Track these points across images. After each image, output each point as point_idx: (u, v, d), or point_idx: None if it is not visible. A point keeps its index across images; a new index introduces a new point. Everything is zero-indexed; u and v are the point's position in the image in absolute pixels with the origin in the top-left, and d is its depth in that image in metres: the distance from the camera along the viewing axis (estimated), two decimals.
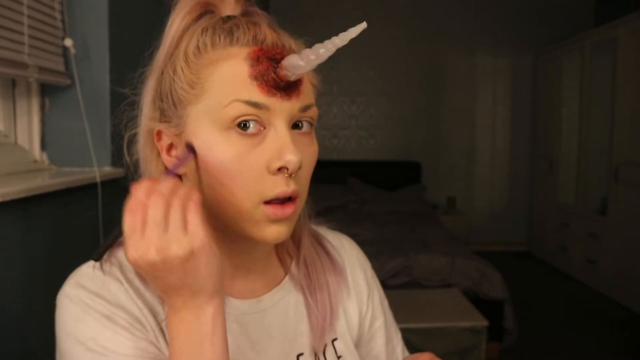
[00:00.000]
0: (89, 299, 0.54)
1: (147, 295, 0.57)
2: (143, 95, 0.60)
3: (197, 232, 0.48)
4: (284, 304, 0.65)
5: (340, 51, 0.50)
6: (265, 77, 0.53)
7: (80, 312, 0.54)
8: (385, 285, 2.64)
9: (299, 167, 0.53)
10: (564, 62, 4.44)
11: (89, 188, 1.36)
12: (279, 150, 0.53)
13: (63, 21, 1.40)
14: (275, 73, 0.53)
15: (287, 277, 0.67)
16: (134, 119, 0.62)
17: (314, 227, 0.73)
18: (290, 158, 0.52)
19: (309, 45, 0.55)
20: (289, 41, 0.57)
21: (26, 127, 1.39)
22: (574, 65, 4.32)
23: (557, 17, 4.95)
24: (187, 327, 0.49)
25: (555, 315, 3.41)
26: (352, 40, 0.49)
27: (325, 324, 0.66)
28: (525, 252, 5.06)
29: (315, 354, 0.65)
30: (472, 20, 5.01)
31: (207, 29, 0.56)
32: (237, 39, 0.54)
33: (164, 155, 0.58)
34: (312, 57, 0.50)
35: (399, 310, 0.94)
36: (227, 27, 0.55)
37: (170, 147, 0.58)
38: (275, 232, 0.55)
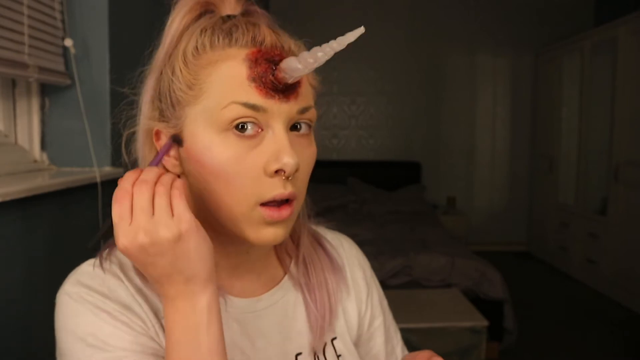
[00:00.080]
0: (88, 296, 0.54)
1: (148, 292, 0.57)
2: (142, 94, 0.60)
3: (184, 215, 0.49)
4: (283, 304, 0.65)
5: (340, 51, 0.50)
6: (263, 79, 0.52)
7: (79, 309, 0.54)
8: (385, 285, 2.64)
9: (296, 170, 0.53)
10: (564, 62, 4.44)
11: (89, 188, 1.36)
12: (276, 153, 0.52)
13: (63, 21, 1.40)
14: (273, 75, 0.53)
15: (286, 277, 0.68)
16: (132, 118, 0.62)
17: (313, 226, 0.73)
18: (288, 161, 0.52)
19: (309, 46, 0.55)
20: (288, 42, 0.57)
21: (26, 127, 1.39)
22: (574, 65, 4.32)
23: (557, 17, 4.95)
24: (183, 317, 0.50)
25: (555, 315, 3.41)
26: (352, 41, 0.49)
27: (324, 324, 0.66)
28: (525, 252, 5.06)
29: (315, 354, 0.65)
30: (472, 20, 5.01)
31: (206, 30, 0.55)
32: (236, 40, 0.54)
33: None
34: (310, 60, 0.50)
35: (399, 310, 0.94)
36: (226, 28, 0.55)
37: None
38: (271, 234, 0.55)
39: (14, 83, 1.34)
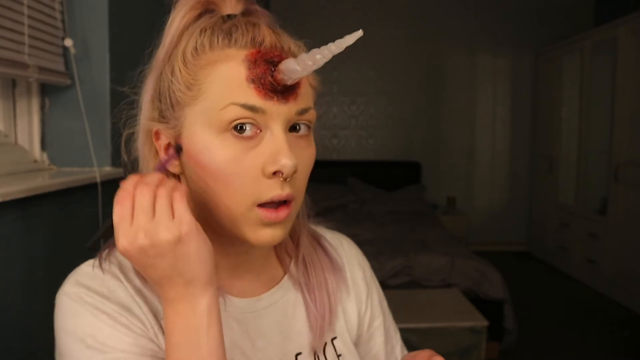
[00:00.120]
0: (88, 297, 0.54)
1: (147, 293, 0.57)
2: (142, 94, 0.60)
3: (184, 218, 0.49)
4: (282, 303, 0.66)
5: (340, 51, 0.50)
6: (262, 81, 0.52)
7: (79, 310, 0.54)
8: (385, 285, 2.64)
9: (294, 172, 0.53)
10: (564, 62, 4.44)
11: (89, 188, 1.36)
12: (274, 154, 0.52)
13: (63, 21, 1.40)
14: (272, 76, 0.52)
15: (286, 277, 0.68)
16: (132, 118, 0.62)
17: (313, 226, 0.73)
18: (285, 162, 0.52)
19: (309, 46, 0.55)
20: (288, 42, 0.56)
21: (26, 127, 1.39)
22: (574, 65, 4.32)
23: (557, 17, 4.95)
24: (183, 319, 0.50)
25: (555, 315, 3.41)
26: (350, 44, 0.49)
27: (324, 324, 0.66)
28: (525, 252, 5.06)
29: (315, 353, 0.65)
30: (472, 20, 5.01)
31: (206, 30, 0.55)
32: (235, 41, 0.54)
33: (162, 155, 0.58)
34: (309, 62, 0.50)
35: (399, 310, 0.94)
36: (226, 28, 0.55)
37: (168, 146, 0.58)
38: (269, 235, 0.55)
39: (14, 83, 1.34)
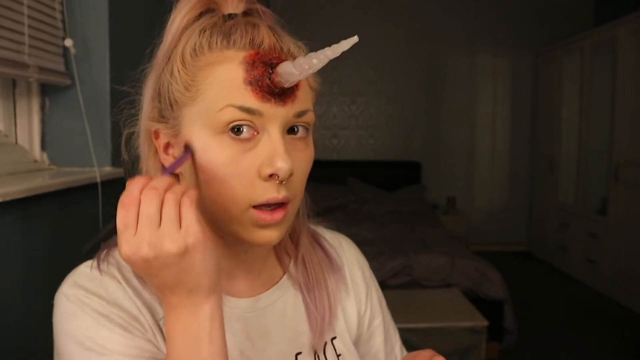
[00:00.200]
0: (86, 298, 0.54)
1: (146, 294, 0.57)
2: (143, 92, 0.60)
3: (192, 228, 0.47)
4: (282, 303, 0.66)
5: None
6: (259, 83, 0.52)
7: (77, 311, 0.54)
8: (385, 285, 2.64)
9: (290, 175, 0.53)
10: (564, 62, 4.44)
11: (89, 188, 1.36)
12: (270, 157, 0.52)
13: (63, 21, 1.40)
14: (270, 79, 0.52)
15: (285, 277, 0.68)
16: (132, 117, 0.62)
17: (312, 226, 0.73)
18: (281, 165, 0.52)
19: (309, 47, 0.55)
20: (288, 44, 0.56)
21: (26, 127, 1.39)
22: (574, 65, 4.32)
23: (557, 17, 4.95)
24: (184, 326, 0.49)
25: (555, 315, 3.41)
26: (345, 50, 0.49)
27: (324, 323, 0.66)
28: (525, 252, 5.06)
29: (315, 353, 0.65)
30: (472, 20, 5.01)
31: (205, 30, 0.55)
32: (234, 42, 0.54)
33: (161, 154, 0.58)
34: (306, 66, 0.50)
35: (399, 310, 0.94)
36: (225, 29, 0.55)
37: (167, 146, 0.58)
38: (265, 236, 0.55)
39: (14, 83, 1.34)
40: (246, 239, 0.55)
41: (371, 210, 4.25)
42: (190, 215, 0.47)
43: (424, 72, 5.08)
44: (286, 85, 0.52)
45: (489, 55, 5.08)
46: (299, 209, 0.65)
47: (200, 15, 0.58)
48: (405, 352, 0.78)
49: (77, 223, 1.33)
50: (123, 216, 0.46)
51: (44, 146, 1.45)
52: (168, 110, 0.56)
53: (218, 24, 0.56)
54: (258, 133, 0.53)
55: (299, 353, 0.64)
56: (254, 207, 0.54)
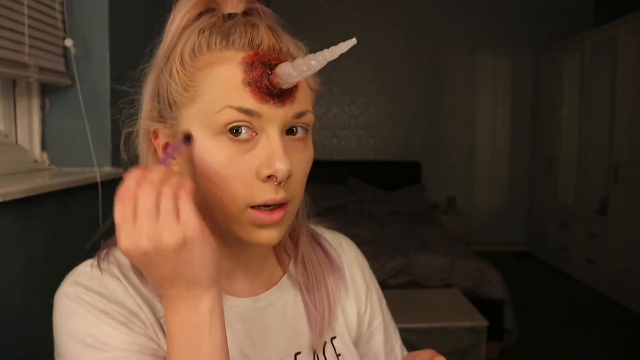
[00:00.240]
0: (86, 296, 0.54)
1: (146, 292, 0.57)
2: (143, 92, 0.60)
3: (190, 220, 0.47)
4: (281, 303, 0.66)
5: None
6: (258, 84, 0.52)
7: (78, 309, 0.54)
8: (385, 285, 2.64)
9: (289, 176, 0.53)
10: (564, 62, 4.44)
11: (89, 188, 1.36)
12: (269, 158, 0.52)
13: (63, 21, 1.40)
14: (268, 80, 0.52)
15: (285, 276, 0.68)
16: (131, 117, 0.62)
17: (312, 226, 0.73)
18: (280, 167, 0.51)
19: (310, 47, 0.55)
20: (287, 44, 0.56)
21: (26, 127, 1.39)
22: (574, 65, 4.32)
23: (557, 17, 4.95)
24: (184, 319, 0.49)
25: (555, 315, 3.41)
26: (344, 52, 0.49)
27: (323, 323, 0.66)
28: (525, 252, 5.06)
29: (314, 353, 0.65)
30: (472, 20, 5.01)
31: (204, 30, 0.55)
32: (233, 42, 0.54)
33: (160, 154, 0.58)
34: (304, 68, 0.50)
35: (399, 310, 0.94)
36: (225, 29, 0.55)
37: (166, 146, 0.58)
38: (265, 236, 0.55)
39: (14, 83, 1.34)
40: (246, 239, 0.55)
41: (371, 210, 4.25)
42: (187, 208, 0.47)
43: (424, 72, 5.08)
44: (285, 87, 0.52)
45: (489, 55, 5.08)
46: (299, 209, 0.65)
47: (200, 15, 0.57)
48: (405, 352, 0.78)
49: (77, 223, 1.34)
50: (120, 210, 0.46)
51: (44, 146, 1.45)
52: (167, 110, 0.56)
53: (217, 24, 0.55)
54: (257, 134, 0.53)
55: (299, 353, 0.64)
56: (252, 207, 0.54)
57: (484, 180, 5.18)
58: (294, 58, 0.54)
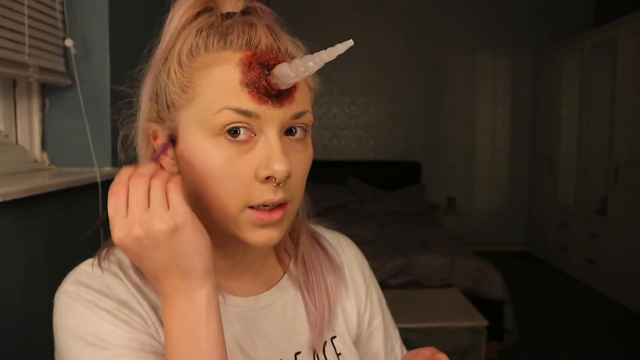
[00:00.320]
0: (87, 295, 0.54)
1: (147, 290, 0.57)
2: (141, 93, 0.60)
3: (180, 207, 0.48)
4: (282, 303, 0.66)
5: None
6: (256, 85, 0.52)
7: (78, 308, 0.54)
8: (385, 285, 2.64)
9: (287, 177, 0.53)
10: (564, 62, 4.44)
11: (89, 188, 1.36)
12: (267, 159, 0.52)
13: (63, 21, 1.40)
14: (266, 80, 0.52)
15: (285, 276, 0.68)
16: (130, 117, 0.62)
17: (312, 226, 0.73)
18: (278, 168, 0.51)
19: (309, 47, 0.55)
20: (286, 44, 0.55)
21: (26, 127, 1.39)
22: (574, 65, 4.32)
23: (557, 17, 4.95)
24: (181, 312, 0.49)
25: (555, 315, 3.41)
26: (341, 53, 0.49)
27: (323, 323, 0.66)
28: (525, 252, 5.06)
29: (314, 352, 0.65)
30: (472, 20, 5.01)
31: (202, 30, 0.55)
32: (231, 43, 0.53)
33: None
34: (302, 69, 0.50)
35: (398, 310, 0.94)
36: (222, 29, 0.54)
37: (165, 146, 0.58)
38: (264, 236, 0.55)
39: (14, 83, 1.35)
40: (245, 239, 0.55)
41: (371, 210, 4.25)
42: (177, 197, 0.49)
43: (423, 72, 5.08)
44: (283, 87, 0.52)
45: (488, 55, 5.08)
46: (299, 209, 0.65)
47: (198, 14, 0.57)
48: (405, 351, 0.78)
49: (77, 223, 1.34)
50: (113, 202, 0.49)
51: (44, 146, 1.45)
52: (164, 111, 0.56)
53: (215, 24, 0.55)
54: (255, 135, 0.53)
55: (298, 352, 0.64)
56: (251, 207, 0.54)
57: (484, 180, 5.18)
58: (292, 58, 0.54)
